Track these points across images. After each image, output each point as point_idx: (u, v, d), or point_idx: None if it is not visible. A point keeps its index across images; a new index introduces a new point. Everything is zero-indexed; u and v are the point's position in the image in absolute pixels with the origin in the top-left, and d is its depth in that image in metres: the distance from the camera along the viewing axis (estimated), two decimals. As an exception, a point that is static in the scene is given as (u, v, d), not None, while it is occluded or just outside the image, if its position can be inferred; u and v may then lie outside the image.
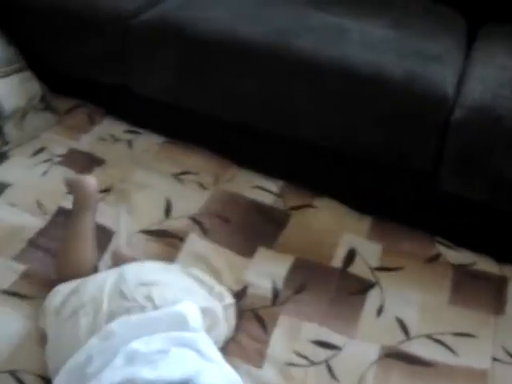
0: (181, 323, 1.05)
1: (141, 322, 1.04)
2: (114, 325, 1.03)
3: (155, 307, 1.08)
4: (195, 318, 1.08)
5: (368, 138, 1.45)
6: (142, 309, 1.07)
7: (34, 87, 1.79)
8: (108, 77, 1.74)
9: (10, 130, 1.71)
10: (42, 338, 1.19)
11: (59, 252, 1.32)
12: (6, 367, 1.16)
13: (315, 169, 1.61)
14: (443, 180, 1.42)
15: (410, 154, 1.43)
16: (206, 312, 1.15)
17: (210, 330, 1.12)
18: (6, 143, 1.70)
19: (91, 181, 1.39)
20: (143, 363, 0.93)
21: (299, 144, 1.59)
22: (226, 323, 1.21)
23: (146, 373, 0.91)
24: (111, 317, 1.05)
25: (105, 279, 1.16)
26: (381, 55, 1.47)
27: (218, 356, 1.04)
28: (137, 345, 0.98)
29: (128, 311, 1.07)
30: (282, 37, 1.52)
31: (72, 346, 1.03)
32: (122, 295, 1.10)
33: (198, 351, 1.00)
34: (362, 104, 1.44)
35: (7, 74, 1.73)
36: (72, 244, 1.28)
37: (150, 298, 1.09)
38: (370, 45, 1.51)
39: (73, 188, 1.41)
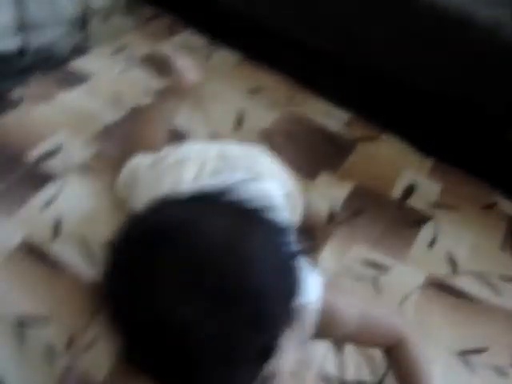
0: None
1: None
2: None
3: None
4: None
5: (446, 76, 1.46)
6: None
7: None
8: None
9: (93, 26, 1.77)
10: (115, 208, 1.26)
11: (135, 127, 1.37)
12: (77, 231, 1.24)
13: (386, 103, 1.63)
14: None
15: (486, 97, 1.44)
16: (290, 195, 1.19)
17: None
18: (88, 39, 1.76)
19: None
20: None
21: (372, 77, 1.60)
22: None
23: None
24: (215, 173, 1.11)
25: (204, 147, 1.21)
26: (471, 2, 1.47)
27: None
28: None
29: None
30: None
31: (175, 182, 1.09)
32: (227, 160, 1.14)
33: None
34: (446, 44, 1.45)
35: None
36: (149, 119, 1.33)
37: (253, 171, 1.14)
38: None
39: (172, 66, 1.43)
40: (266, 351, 0.68)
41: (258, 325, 0.65)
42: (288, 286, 0.69)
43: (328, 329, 0.95)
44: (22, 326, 1.09)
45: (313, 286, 0.92)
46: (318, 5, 1.60)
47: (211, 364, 0.64)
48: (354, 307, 0.98)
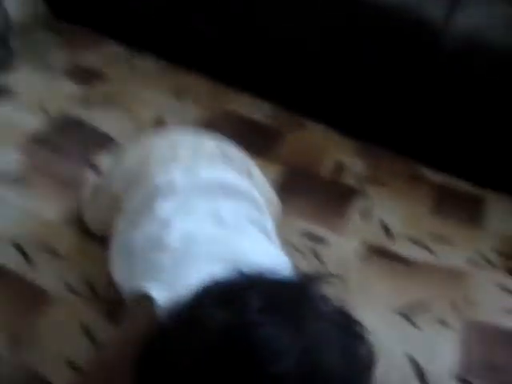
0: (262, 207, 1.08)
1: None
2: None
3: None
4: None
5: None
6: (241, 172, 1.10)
7: (41, 7, 1.84)
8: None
9: (15, 42, 1.76)
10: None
11: None
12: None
13: (308, 92, 1.68)
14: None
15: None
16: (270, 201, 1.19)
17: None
18: (11, 54, 1.75)
19: None
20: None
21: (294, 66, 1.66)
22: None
23: None
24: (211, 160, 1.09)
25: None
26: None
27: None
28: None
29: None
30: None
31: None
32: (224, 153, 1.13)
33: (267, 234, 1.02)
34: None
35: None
36: None
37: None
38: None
39: None
40: None
41: None
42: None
43: None
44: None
45: None
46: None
47: None
48: None
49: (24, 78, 1.69)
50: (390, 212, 1.44)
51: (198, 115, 1.65)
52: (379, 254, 1.32)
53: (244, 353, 0.60)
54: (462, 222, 1.45)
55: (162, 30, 1.79)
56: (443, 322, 1.19)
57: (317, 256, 1.29)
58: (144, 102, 1.66)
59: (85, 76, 1.74)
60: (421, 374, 1.09)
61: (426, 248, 1.36)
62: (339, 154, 1.59)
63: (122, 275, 0.96)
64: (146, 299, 0.79)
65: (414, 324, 1.18)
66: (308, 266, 1.26)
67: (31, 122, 1.54)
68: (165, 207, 0.95)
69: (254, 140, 1.59)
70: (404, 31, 1.49)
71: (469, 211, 1.49)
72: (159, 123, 1.60)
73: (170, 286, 0.80)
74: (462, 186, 1.55)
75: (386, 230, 1.38)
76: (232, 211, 0.97)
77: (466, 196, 1.53)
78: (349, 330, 0.69)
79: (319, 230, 1.35)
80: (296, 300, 0.67)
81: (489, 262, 1.35)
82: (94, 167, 1.41)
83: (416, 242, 1.37)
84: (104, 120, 1.56)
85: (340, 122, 1.65)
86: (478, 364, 1.13)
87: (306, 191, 1.46)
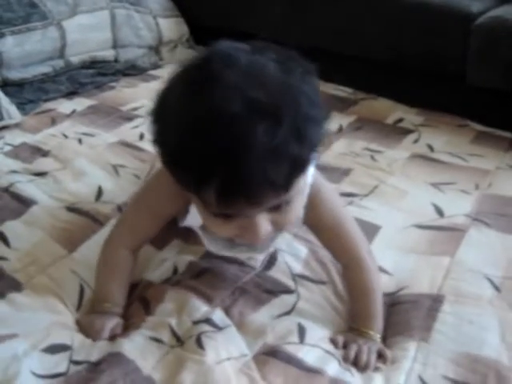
0: None
1: None
2: None
3: None
4: None
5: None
6: None
7: (184, 29, 2.54)
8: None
9: (164, 52, 2.45)
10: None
11: None
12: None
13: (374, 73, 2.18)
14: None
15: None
16: None
17: None
18: (161, 59, 2.44)
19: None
20: None
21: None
22: None
23: None
24: None
25: None
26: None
27: None
28: None
29: None
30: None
31: None
32: None
33: None
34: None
35: (167, 16, 2.49)
36: None
37: None
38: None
39: None
40: (300, 163, 0.79)
41: (300, 135, 0.76)
42: (322, 113, 0.83)
43: (310, 212, 1.06)
44: None
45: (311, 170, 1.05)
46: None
47: (256, 157, 0.74)
48: (334, 204, 1.12)
49: (169, 72, 2.33)
50: (436, 138, 1.85)
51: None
52: (422, 158, 1.74)
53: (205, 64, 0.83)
54: (497, 149, 1.81)
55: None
56: (464, 191, 1.57)
57: (372, 157, 1.74)
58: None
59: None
60: (441, 213, 1.48)
61: (462, 158, 1.75)
62: (401, 113, 2.04)
63: None
64: None
65: (442, 191, 1.57)
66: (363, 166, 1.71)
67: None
68: None
69: (334, 104, 2.11)
70: None
71: (505, 144, 1.84)
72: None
73: None
74: (502, 132, 1.94)
75: (430, 147, 1.80)
76: None
77: (503, 137, 1.90)
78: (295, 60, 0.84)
79: (377, 147, 1.80)
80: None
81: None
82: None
83: (453, 154, 1.76)
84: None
85: (403, 96, 2.12)
86: (489, 211, 1.48)
87: (369, 129, 1.92)
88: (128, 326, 1.10)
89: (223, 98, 0.75)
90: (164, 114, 0.83)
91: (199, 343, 1.02)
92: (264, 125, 0.73)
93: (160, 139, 0.83)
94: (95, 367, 0.98)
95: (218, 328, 1.06)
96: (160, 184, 1.05)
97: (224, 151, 0.74)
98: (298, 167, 0.80)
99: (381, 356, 1.05)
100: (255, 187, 0.76)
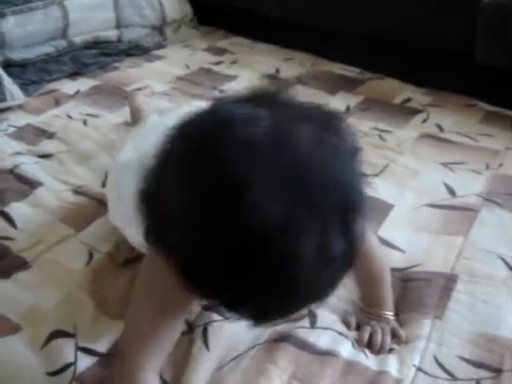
0: None
1: None
2: None
3: None
4: None
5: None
6: None
7: (188, 9, 2.50)
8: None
9: (168, 32, 2.42)
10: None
11: None
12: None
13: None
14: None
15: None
16: None
17: None
18: (165, 39, 2.40)
19: None
20: None
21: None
22: None
23: None
24: None
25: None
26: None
27: None
28: None
29: None
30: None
31: None
32: None
33: None
34: None
35: (171, -4, 2.46)
36: None
37: None
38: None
39: None
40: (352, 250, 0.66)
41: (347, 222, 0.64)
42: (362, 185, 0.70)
43: None
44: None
45: None
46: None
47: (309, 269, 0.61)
48: None
49: (173, 52, 2.33)
50: (445, 118, 1.83)
51: (301, 72, 2.17)
52: (431, 137, 1.72)
53: (219, 122, 0.64)
54: (506, 129, 1.80)
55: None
56: (475, 171, 1.56)
57: (381, 137, 1.72)
58: (261, 64, 2.22)
59: (218, 51, 2.34)
60: (453, 192, 1.46)
61: (471, 138, 1.73)
62: (409, 93, 2.02)
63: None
64: None
65: (453, 171, 1.56)
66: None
67: (177, 71, 2.15)
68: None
69: (342, 84, 2.09)
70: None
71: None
72: (273, 75, 2.14)
73: None
74: (510, 112, 1.92)
75: (439, 127, 1.78)
76: None
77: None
78: (327, 123, 0.69)
79: (386, 127, 1.78)
80: (274, 97, 0.71)
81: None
82: (221, 91, 1.96)
83: (462, 133, 1.75)
84: (228, 70, 2.14)
85: (411, 76, 2.10)
86: (500, 191, 1.47)
87: (378, 110, 1.90)
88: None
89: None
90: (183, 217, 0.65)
91: (205, 338, 1.01)
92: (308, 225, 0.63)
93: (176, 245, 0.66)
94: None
95: (226, 317, 1.04)
96: (156, 269, 0.78)
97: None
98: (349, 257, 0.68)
99: (394, 336, 1.04)
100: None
